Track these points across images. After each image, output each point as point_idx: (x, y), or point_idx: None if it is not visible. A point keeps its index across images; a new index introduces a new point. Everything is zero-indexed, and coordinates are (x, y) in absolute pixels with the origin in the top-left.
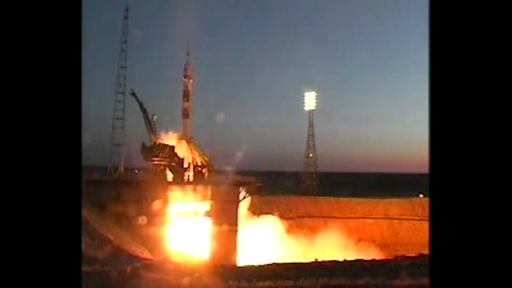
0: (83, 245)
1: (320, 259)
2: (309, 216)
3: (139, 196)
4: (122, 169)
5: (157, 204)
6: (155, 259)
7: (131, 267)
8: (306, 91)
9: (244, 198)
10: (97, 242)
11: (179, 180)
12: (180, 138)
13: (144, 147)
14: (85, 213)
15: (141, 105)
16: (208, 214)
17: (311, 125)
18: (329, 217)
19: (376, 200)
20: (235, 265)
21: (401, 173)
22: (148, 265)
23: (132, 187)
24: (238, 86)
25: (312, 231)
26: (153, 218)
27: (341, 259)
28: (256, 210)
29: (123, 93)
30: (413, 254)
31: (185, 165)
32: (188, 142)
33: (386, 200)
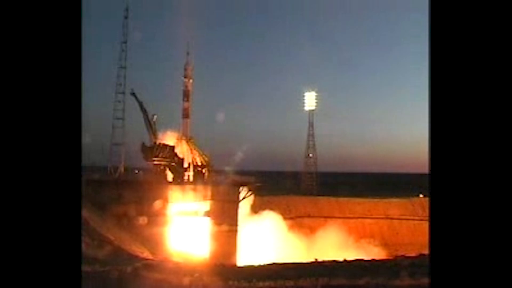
0: (83, 245)
1: (320, 259)
2: (309, 216)
3: (139, 196)
4: (122, 169)
5: (157, 204)
6: (155, 259)
7: (131, 267)
8: (306, 91)
9: (244, 197)
10: (97, 242)
11: (179, 180)
12: (180, 138)
13: (144, 147)
14: (85, 213)
15: (141, 105)
16: (208, 214)
17: (311, 125)
18: (329, 217)
19: (376, 200)
20: (235, 265)
21: (401, 173)
22: (149, 265)
23: (132, 187)
24: (238, 86)
25: (312, 231)
26: (153, 218)
27: (341, 259)
28: (256, 210)
29: (123, 93)
30: (413, 254)
31: (185, 165)
32: (188, 142)
33: (386, 200)
